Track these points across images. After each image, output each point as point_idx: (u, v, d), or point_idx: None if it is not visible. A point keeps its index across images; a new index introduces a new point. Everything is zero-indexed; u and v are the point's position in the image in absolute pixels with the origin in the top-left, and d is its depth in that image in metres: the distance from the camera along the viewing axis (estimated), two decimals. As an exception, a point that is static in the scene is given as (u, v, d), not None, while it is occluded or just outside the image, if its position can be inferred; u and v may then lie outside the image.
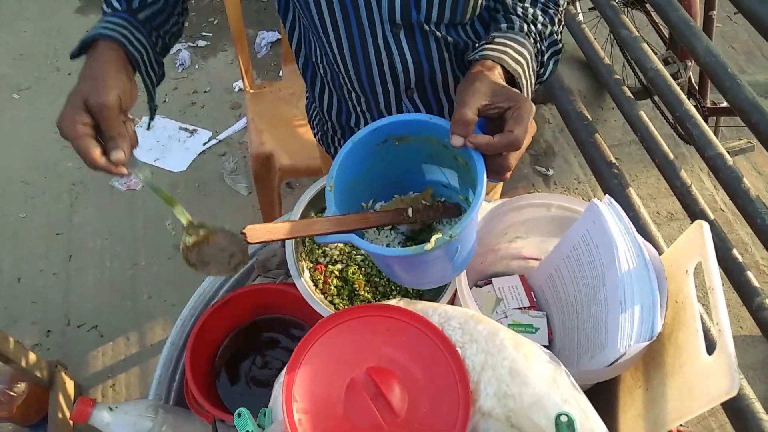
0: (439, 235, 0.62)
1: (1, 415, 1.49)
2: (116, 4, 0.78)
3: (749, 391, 1.28)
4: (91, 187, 2.16)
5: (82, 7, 2.76)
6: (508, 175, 0.67)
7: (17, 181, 2.17)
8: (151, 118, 0.86)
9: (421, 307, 0.71)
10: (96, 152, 0.67)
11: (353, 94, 0.87)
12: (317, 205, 0.87)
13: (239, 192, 2.12)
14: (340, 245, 0.87)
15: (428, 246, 0.61)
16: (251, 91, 1.76)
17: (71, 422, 1.59)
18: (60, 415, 1.56)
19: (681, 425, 0.84)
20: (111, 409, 0.78)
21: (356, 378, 0.61)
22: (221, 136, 2.27)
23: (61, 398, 1.57)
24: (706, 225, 0.69)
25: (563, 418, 0.58)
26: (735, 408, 1.29)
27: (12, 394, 1.48)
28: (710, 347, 0.63)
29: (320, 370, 0.63)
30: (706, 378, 0.62)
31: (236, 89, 2.41)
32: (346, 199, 0.70)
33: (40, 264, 1.97)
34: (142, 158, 2.21)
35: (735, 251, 1.36)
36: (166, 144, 2.26)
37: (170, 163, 2.20)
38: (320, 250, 0.85)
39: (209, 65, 2.52)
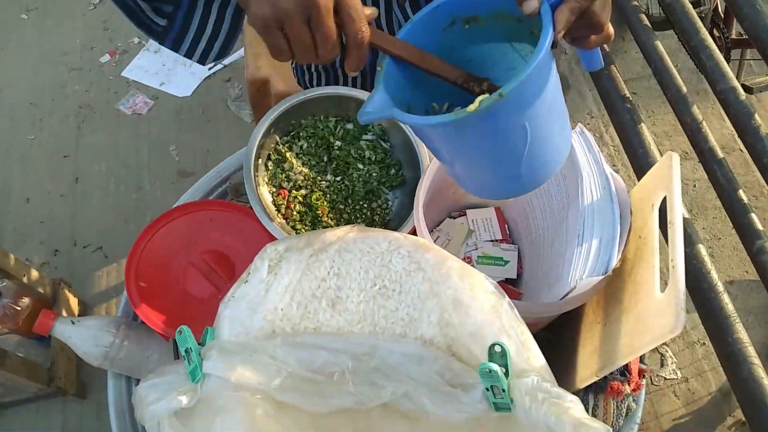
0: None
1: (8, 327, 1.56)
2: None
3: (743, 335, 1.25)
4: (97, 110, 2.16)
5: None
6: (609, 30, 0.59)
7: (25, 103, 2.18)
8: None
9: (374, 234, 0.69)
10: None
11: None
12: (282, 128, 0.85)
13: (243, 119, 2.09)
14: (305, 170, 0.85)
15: (471, 107, 0.48)
16: (250, 12, 1.70)
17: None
18: (64, 330, 1.63)
19: (642, 363, 0.82)
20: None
21: (192, 262, 0.82)
22: (227, 61, 2.22)
23: (64, 314, 1.63)
24: (675, 157, 0.65)
25: (497, 348, 0.56)
26: (726, 352, 1.27)
27: (17, 308, 1.54)
28: (666, 286, 0.60)
29: (158, 258, 0.81)
30: (656, 315, 0.60)
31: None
32: (399, 92, 0.58)
33: (48, 185, 2.00)
34: (147, 82, 2.20)
35: (741, 192, 1.30)
36: (172, 68, 2.23)
37: (175, 87, 2.18)
38: (283, 175, 0.84)
39: None
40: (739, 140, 1.94)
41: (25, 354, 1.61)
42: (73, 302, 1.71)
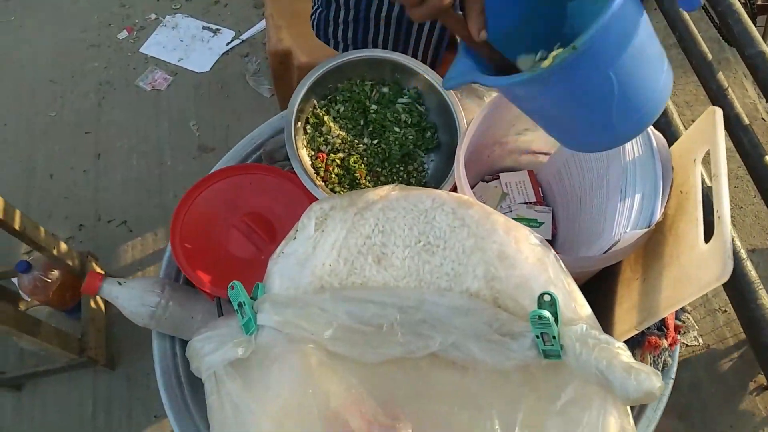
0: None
1: (39, 299, 1.59)
2: None
3: (766, 301, 1.27)
4: (117, 86, 2.17)
5: None
6: None
7: (45, 80, 2.19)
8: None
9: (417, 192, 0.70)
10: None
11: None
12: (319, 92, 0.85)
13: (262, 94, 2.10)
14: (342, 134, 0.86)
15: (546, 62, 0.48)
16: (270, -16, 1.69)
17: (102, 306, 1.69)
18: (92, 302, 1.66)
19: (681, 320, 0.83)
20: (120, 283, 0.82)
21: (234, 224, 0.83)
22: (244, 36, 2.22)
23: (93, 286, 1.66)
24: (719, 111, 0.66)
25: (546, 297, 0.58)
26: (749, 318, 1.28)
27: (47, 280, 1.57)
28: (709, 237, 0.61)
29: (201, 220, 0.84)
30: (700, 265, 0.61)
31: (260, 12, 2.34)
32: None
33: (71, 161, 2.02)
34: (165, 58, 2.20)
35: (767, 158, 1.30)
36: (189, 44, 2.23)
37: (194, 63, 2.18)
38: (322, 138, 0.85)
39: (230, -21, 2.43)
40: (762, 109, 1.92)
41: (56, 326, 1.64)
42: (101, 275, 1.73)
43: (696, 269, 0.61)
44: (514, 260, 0.63)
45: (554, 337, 0.56)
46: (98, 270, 1.73)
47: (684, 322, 0.82)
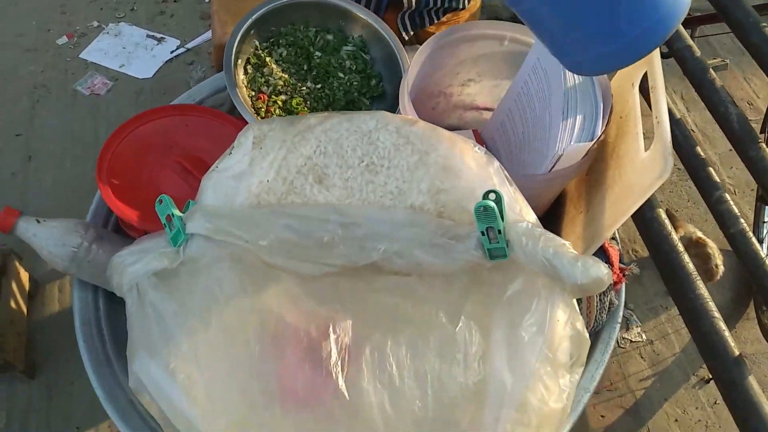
0: None
1: (-49, 299, 1.46)
2: None
3: (704, 291, 1.29)
4: (53, 90, 2.09)
5: None
6: None
7: (-24, 82, 2.09)
8: None
9: (360, 114, 0.68)
10: None
11: None
12: (261, 35, 0.84)
13: (206, 100, 2.06)
14: (285, 76, 0.84)
15: None
16: (217, -17, 1.69)
17: (24, 309, 1.56)
18: (13, 303, 1.53)
19: (624, 263, 0.83)
20: (38, 221, 0.75)
21: (167, 164, 0.79)
22: (190, 45, 2.20)
23: (14, 285, 1.54)
24: (654, 38, 0.67)
25: (491, 195, 0.56)
26: (688, 308, 1.30)
27: (-38, 277, 1.44)
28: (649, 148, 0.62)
29: (131, 158, 0.79)
30: (642, 170, 0.61)
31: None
32: None
33: (-1, 163, 1.91)
34: (106, 64, 2.15)
35: (698, 149, 1.35)
36: (133, 51, 2.18)
37: (136, 69, 2.13)
38: (263, 79, 0.82)
39: (178, -17, 2.43)
40: (690, 122, 2.01)
41: (-31, 328, 1.50)
42: (24, 277, 1.62)
43: (639, 176, 0.61)
44: (459, 171, 0.62)
45: (500, 232, 0.55)
46: (22, 270, 1.61)
47: (629, 266, 0.81)
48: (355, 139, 0.67)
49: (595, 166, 0.72)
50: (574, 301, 0.53)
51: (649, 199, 1.32)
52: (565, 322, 0.51)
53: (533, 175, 0.68)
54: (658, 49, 0.67)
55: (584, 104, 0.68)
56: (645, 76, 0.67)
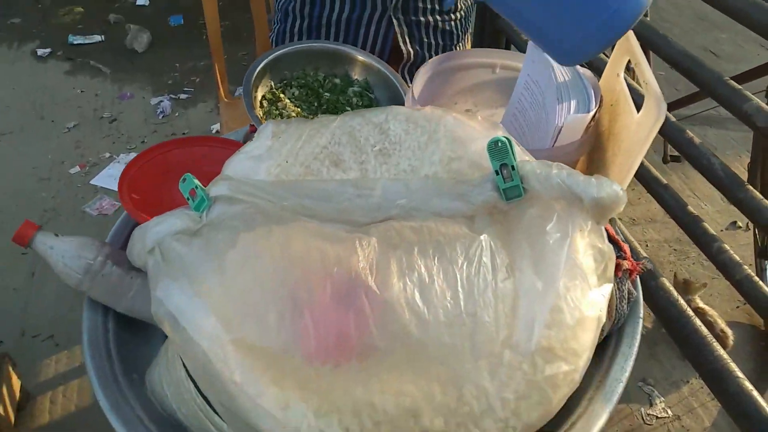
0: None
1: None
2: None
3: (722, 353, 1.27)
4: (62, 213, 2.16)
5: (71, 71, 2.93)
6: None
7: (-11, 208, 2.17)
8: None
9: (371, 110, 0.74)
10: None
11: None
12: (275, 77, 0.92)
13: (211, 214, 2.13)
14: (298, 110, 0.90)
15: None
16: (226, 100, 1.85)
17: (11, 417, 1.47)
18: (0, 409, 1.45)
19: (639, 258, 0.83)
20: (56, 235, 0.76)
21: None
22: (196, 168, 2.32)
23: (4, 390, 1.47)
24: (631, 32, 0.76)
25: (498, 144, 0.59)
26: (710, 370, 1.27)
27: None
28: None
29: (151, 179, 0.83)
30: (638, 125, 0.65)
31: (214, 131, 2.51)
32: None
33: (2, 280, 1.91)
34: (115, 187, 2.25)
35: (690, 207, 1.40)
36: (142, 175, 2.30)
37: (144, 190, 2.23)
38: (277, 112, 0.89)
39: (189, 113, 2.64)
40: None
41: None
42: (16, 384, 1.55)
43: (635, 133, 0.65)
44: (467, 139, 0.66)
45: (513, 168, 0.57)
46: (15, 376, 1.54)
47: (642, 261, 0.81)
48: (368, 130, 0.72)
49: (595, 156, 0.76)
50: (592, 221, 0.54)
51: (651, 269, 1.35)
52: (587, 232, 0.51)
53: (538, 151, 0.72)
54: (635, 39, 0.74)
55: (576, 92, 0.74)
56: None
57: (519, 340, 0.46)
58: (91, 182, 2.28)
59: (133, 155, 2.37)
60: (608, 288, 0.51)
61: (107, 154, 2.41)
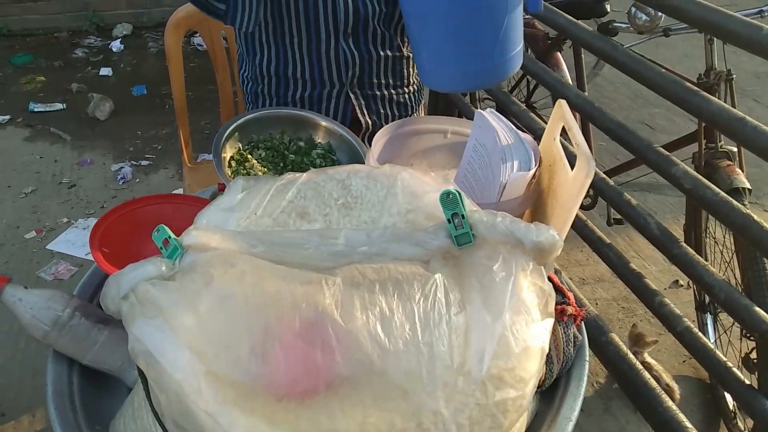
0: None
1: None
2: None
3: (671, 404, 1.34)
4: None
5: (30, 137, 2.94)
6: None
7: (-64, 273, 2.11)
8: None
9: (333, 168, 0.80)
10: None
11: (295, 39, 1.06)
12: (243, 140, 0.98)
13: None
14: (265, 170, 0.96)
15: None
16: (189, 165, 1.90)
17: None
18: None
19: (580, 305, 0.90)
20: (26, 287, 0.78)
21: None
22: (156, 232, 2.32)
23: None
24: (563, 101, 0.85)
25: (449, 195, 0.65)
26: (660, 422, 1.33)
27: None
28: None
29: (121, 234, 0.86)
30: (572, 184, 0.73)
31: (175, 197, 2.54)
32: None
33: (-55, 348, 1.84)
34: (72, 252, 2.23)
35: (631, 265, 1.50)
36: (100, 240, 2.29)
37: (102, 255, 2.21)
38: (245, 171, 0.94)
39: (150, 179, 2.67)
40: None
41: None
42: (-43, 457, 1.47)
43: (570, 188, 0.73)
44: (422, 192, 0.73)
45: (463, 217, 0.63)
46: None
47: (584, 308, 0.88)
48: (332, 185, 0.78)
49: (538, 210, 0.83)
50: (533, 262, 0.60)
51: (600, 324, 1.43)
52: (529, 272, 0.57)
53: (486, 205, 0.79)
54: (568, 108, 0.84)
55: (518, 154, 0.83)
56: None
57: (471, 368, 0.51)
58: (48, 247, 2.26)
59: (92, 220, 2.37)
60: (550, 322, 0.57)
61: (65, 219, 2.40)
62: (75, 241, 2.29)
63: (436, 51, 0.80)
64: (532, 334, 0.54)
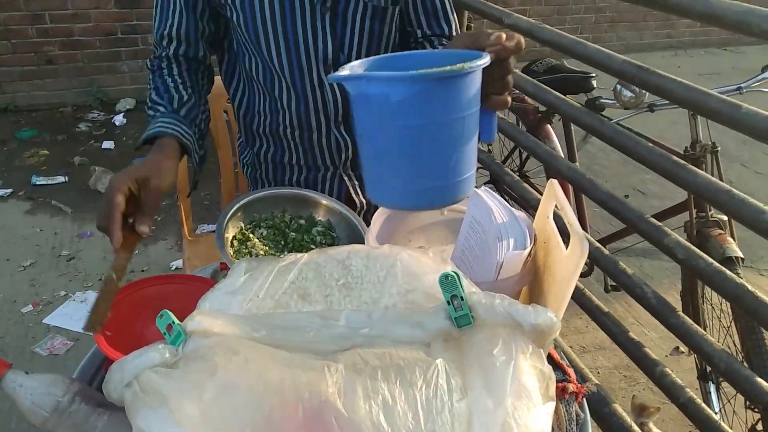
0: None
1: None
2: (161, 108, 1.00)
3: None
4: (10, 353, 2.09)
5: (31, 210, 2.97)
6: (508, 98, 0.81)
7: (-70, 350, 2.08)
8: (193, 188, 1.10)
9: (334, 248, 0.82)
10: (119, 212, 0.85)
11: (288, 131, 1.10)
12: (246, 219, 1.00)
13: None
14: (266, 248, 0.98)
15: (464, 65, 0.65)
16: (189, 238, 1.92)
17: None
18: None
19: (583, 381, 0.90)
20: (27, 373, 0.78)
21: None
22: (154, 304, 2.32)
23: None
24: (554, 181, 0.89)
25: (448, 278, 0.67)
26: None
27: None
28: (571, 253, 0.77)
29: (123, 317, 0.85)
30: (567, 263, 0.75)
31: (173, 268, 2.54)
32: None
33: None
34: (69, 326, 2.21)
35: (630, 334, 1.50)
36: (97, 313, 2.27)
37: (99, 329, 2.19)
38: (247, 251, 0.96)
39: (149, 250, 2.68)
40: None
41: None
42: None
43: (566, 266, 0.75)
44: (421, 273, 0.74)
45: (462, 299, 0.65)
46: None
47: (587, 384, 0.88)
48: (332, 266, 0.79)
49: (535, 286, 0.85)
50: (533, 345, 0.61)
51: (602, 395, 1.43)
52: (529, 355, 0.58)
53: (484, 283, 0.80)
54: (561, 190, 0.87)
55: (514, 232, 0.85)
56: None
57: (475, 456, 0.51)
58: (44, 321, 2.24)
59: (90, 293, 2.37)
60: (551, 406, 0.57)
61: (63, 293, 2.40)
62: (72, 314, 2.28)
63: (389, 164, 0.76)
64: (534, 420, 0.54)
